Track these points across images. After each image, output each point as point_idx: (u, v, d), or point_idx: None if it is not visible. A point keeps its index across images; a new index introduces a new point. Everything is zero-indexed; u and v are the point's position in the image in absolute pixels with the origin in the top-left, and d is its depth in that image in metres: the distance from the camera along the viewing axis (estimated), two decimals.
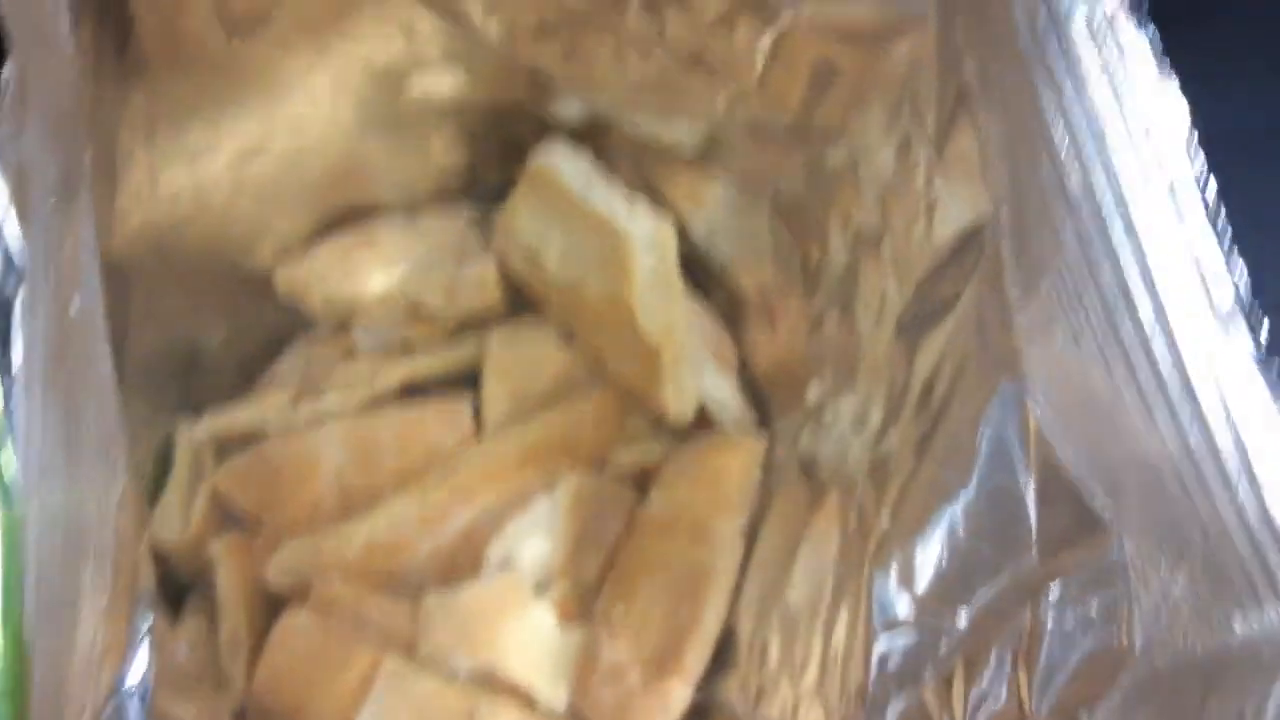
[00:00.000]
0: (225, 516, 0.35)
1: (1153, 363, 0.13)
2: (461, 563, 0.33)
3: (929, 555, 0.19)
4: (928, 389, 0.21)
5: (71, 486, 0.13)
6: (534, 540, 0.33)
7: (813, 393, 0.27)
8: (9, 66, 0.12)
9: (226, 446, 0.36)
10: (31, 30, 0.12)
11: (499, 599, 0.31)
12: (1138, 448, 0.14)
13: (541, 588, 0.32)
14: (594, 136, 0.33)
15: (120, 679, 0.16)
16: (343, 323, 0.38)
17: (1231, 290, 0.13)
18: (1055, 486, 0.16)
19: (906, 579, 0.19)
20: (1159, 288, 0.13)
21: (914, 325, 0.21)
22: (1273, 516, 0.13)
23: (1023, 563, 0.17)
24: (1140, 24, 0.13)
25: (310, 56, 0.31)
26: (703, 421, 0.33)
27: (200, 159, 0.32)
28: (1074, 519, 0.16)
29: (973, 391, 0.18)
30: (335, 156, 0.35)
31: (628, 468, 0.34)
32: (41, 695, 0.12)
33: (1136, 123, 0.13)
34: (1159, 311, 0.13)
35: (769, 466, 0.30)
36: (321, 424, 0.35)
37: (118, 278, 0.32)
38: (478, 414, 0.35)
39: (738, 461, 0.30)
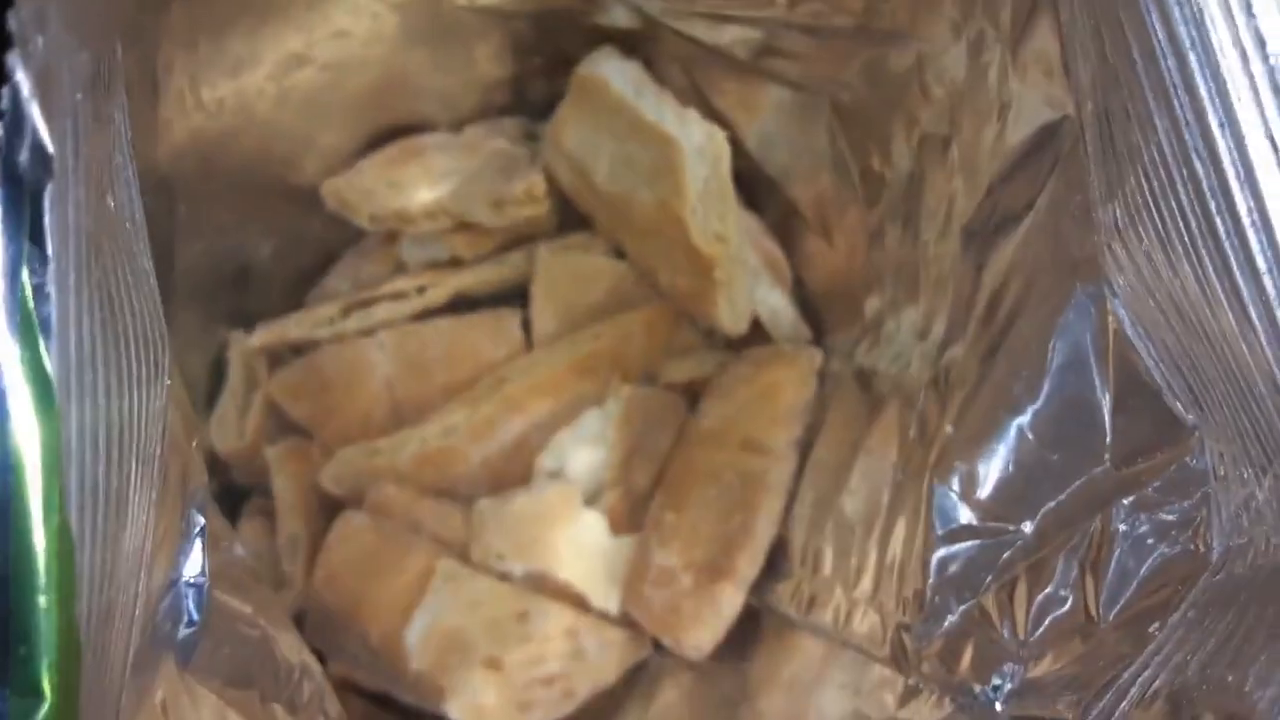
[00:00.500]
0: (280, 424, 0.36)
1: (1250, 262, 0.13)
2: (512, 472, 0.33)
3: (994, 464, 0.18)
4: (996, 299, 0.20)
5: (113, 383, 0.13)
6: (584, 450, 0.33)
7: (871, 306, 0.27)
8: None
9: (279, 357, 0.37)
10: None
11: (550, 507, 0.32)
12: (1228, 351, 0.14)
13: (592, 496, 0.33)
14: (643, 45, 0.32)
15: (176, 574, 0.16)
16: (391, 236, 0.38)
17: None
18: (1133, 393, 0.16)
19: (970, 487, 0.19)
20: (1261, 184, 0.12)
21: (983, 234, 0.20)
22: None
23: (1095, 472, 0.17)
24: None
25: None
26: (756, 335, 0.33)
27: (243, 69, 0.31)
28: (1153, 426, 0.16)
29: (1045, 299, 0.18)
30: (379, 68, 0.34)
31: (679, 380, 0.33)
32: (90, 587, 0.12)
33: (1240, 12, 0.12)
34: (1260, 209, 0.12)
35: (824, 379, 0.29)
36: (372, 335, 0.35)
37: (163, 189, 0.32)
38: (527, 327, 0.35)
39: (792, 374, 0.29)
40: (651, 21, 0.30)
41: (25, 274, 0.10)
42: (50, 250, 0.11)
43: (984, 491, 0.19)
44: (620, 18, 0.31)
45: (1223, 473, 0.15)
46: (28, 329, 0.10)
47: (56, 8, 0.11)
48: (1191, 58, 0.12)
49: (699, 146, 0.29)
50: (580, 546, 0.31)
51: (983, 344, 0.20)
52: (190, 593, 0.16)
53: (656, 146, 0.30)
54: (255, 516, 0.36)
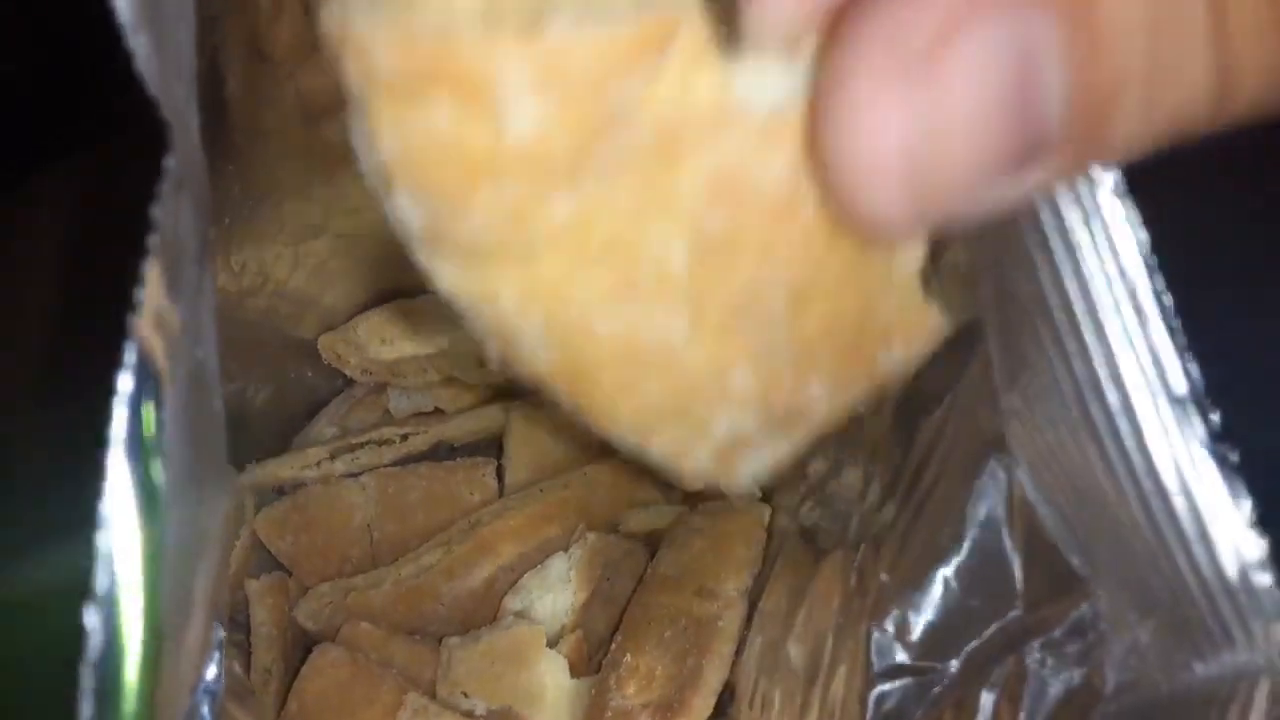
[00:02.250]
0: (262, 560, 0.36)
1: (1118, 441, 0.15)
2: (481, 611, 0.34)
3: (923, 609, 0.20)
4: (922, 466, 0.22)
5: (196, 500, 0.15)
6: (550, 593, 0.34)
7: (815, 469, 0.29)
8: (171, 158, 0.14)
9: (266, 495, 0.38)
10: (178, 125, 0.14)
11: (516, 647, 0.32)
12: (1108, 514, 0.16)
13: (555, 638, 0.33)
14: None
15: (201, 678, 0.17)
16: (378, 387, 0.40)
17: (1185, 380, 0.15)
18: (1039, 548, 0.18)
19: (903, 630, 0.21)
20: (1124, 378, 0.15)
21: (910, 411, 0.23)
22: (1225, 572, 0.15)
23: (1009, 616, 0.19)
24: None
25: None
26: (710, 490, 0.34)
27: (266, 237, 0.34)
28: (1055, 576, 0.18)
29: (964, 466, 0.20)
30: (383, 240, 0.37)
31: (639, 530, 0.35)
32: (166, 679, 0.13)
33: (1104, 245, 0.15)
34: (1123, 398, 0.15)
35: (771, 535, 0.31)
36: (355, 478, 0.36)
37: None
38: (500, 475, 0.37)
39: (743, 527, 0.31)
40: None
41: (151, 406, 0.12)
42: (167, 390, 0.13)
43: (915, 634, 0.20)
44: None
45: (1113, 617, 0.17)
46: (145, 451, 0.12)
47: (185, 199, 0.14)
48: (1068, 284, 0.15)
49: None
50: (543, 686, 0.32)
51: (912, 504, 0.22)
52: (206, 699, 0.17)
53: None
54: (228, 648, 0.36)
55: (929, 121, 0.09)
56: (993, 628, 0.19)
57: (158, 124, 0.14)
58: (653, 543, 0.35)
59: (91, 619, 0.12)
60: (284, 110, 0.28)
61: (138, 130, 0.14)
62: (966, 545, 0.20)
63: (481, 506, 0.36)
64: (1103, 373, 0.15)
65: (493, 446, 0.37)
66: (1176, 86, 0.10)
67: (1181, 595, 0.15)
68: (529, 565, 0.34)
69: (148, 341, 0.13)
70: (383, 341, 0.38)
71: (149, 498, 0.13)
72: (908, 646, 0.21)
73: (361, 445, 0.37)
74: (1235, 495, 0.15)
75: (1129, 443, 0.15)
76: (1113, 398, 0.15)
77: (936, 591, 0.20)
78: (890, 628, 0.21)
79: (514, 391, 0.38)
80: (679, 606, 0.31)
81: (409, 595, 0.34)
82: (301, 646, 0.35)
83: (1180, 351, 0.15)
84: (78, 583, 0.12)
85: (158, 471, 0.13)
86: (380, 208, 0.38)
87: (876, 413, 0.25)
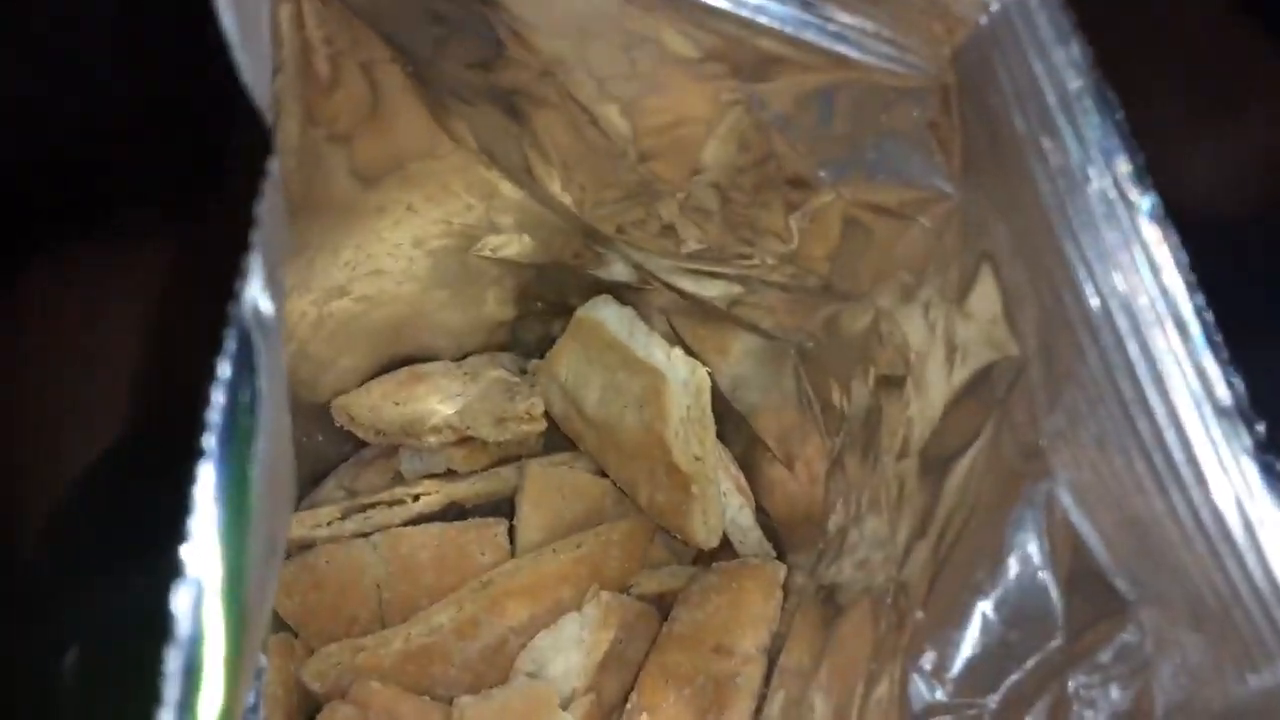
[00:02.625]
0: (270, 620, 0.35)
1: (1166, 454, 0.16)
2: (492, 672, 0.33)
3: (962, 645, 0.20)
4: (955, 506, 0.22)
5: (273, 505, 0.15)
6: (562, 654, 0.33)
7: (834, 523, 0.29)
8: (273, 160, 0.15)
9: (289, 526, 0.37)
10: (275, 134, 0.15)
11: (529, 707, 0.32)
12: (1156, 530, 0.16)
13: (567, 700, 0.33)
14: (634, 296, 0.36)
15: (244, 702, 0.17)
16: (390, 450, 0.40)
17: (1230, 393, 0.15)
18: (1081, 574, 0.18)
19: (940, 667, 0.20)
20: (1170, 391, 0.15)
21: (940, 456, 0.23)
22: (1277, 580, 0.15)
23: (1051, 646, 0.19)
24: (1144, 191, 0.16)
25: (400, 214, 0.34)
26: (723, 552, 0.34)
27: (294, 293, 0.34)
28: (1098, 601, 0.18)
29: (998, 499, 0.20)
30: (403, 304, 0.37)
31: (652, 591, 0.35)
32: (243, 679, 0.13)
33: (1144, 264, 0.16)
34: (1170, 411, 0.15)
35: (788, 591, 0.31)
36: (367, 539, 0.36)
37: None
38: (512, 537, 0.37)
39: (760, 584, 0.31)
40: (645, 276, 0.34)
41: (247, 393, 0.12)
42: (260, 381, 0.13)
43: (953, 671, 0.20)
44: (619, 271, 0.35)
45: (1160, 635, 0.17)
46: (238, 439, 0.12)
47: (276, 213, 0.14)
48: (1112, 302, 0.16)
49: (684, 379, 0.33)
50: None
51: (945, 543, 0.22)
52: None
53: (645, 378, 0.33)
54: None
55: None
56: (1033, 659, 0.19)
57: (256, 135, 0.15)
58: (665, 605, 0.34)
59: (182, 602, 0.12)
60: (329, 170, 0.29)
61: (237, 141, 0.15)
62: (1004, 577, 0.20)
63: (493, 567, 0.35)
64: (1149, 387, 0.15)
65: (505, 507, 0.37)
66: None
67: (1234, 606, 0.15)
68: (541, 626, 0.34)
69: (248, 330, 0.13)
70: (396, 404, 0.38)
71: (240, 489, 0.13)
72: (945, 684, 0.20)
73: (373, 506, 0.37)
74: None
75: (1177, 455, 0.15)
76: (1160, 411, 0.15)
77: (975, 626, 0.20)
78: (927, 666, 0.21)
79: (521, 454, 0.38)
80: (696, 665, 0.30)
81: (419, 655, 0.33)
82: (307, 711, 0.34)
83: (1223, 364, 0.15)
84: (173, 569, 0.12)
85: (250, 461, 0.13)
86: (404, 272, 0.39)
87: (900, 458, 0.25)
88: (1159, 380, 0.16)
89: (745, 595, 0.31)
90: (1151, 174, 0.17)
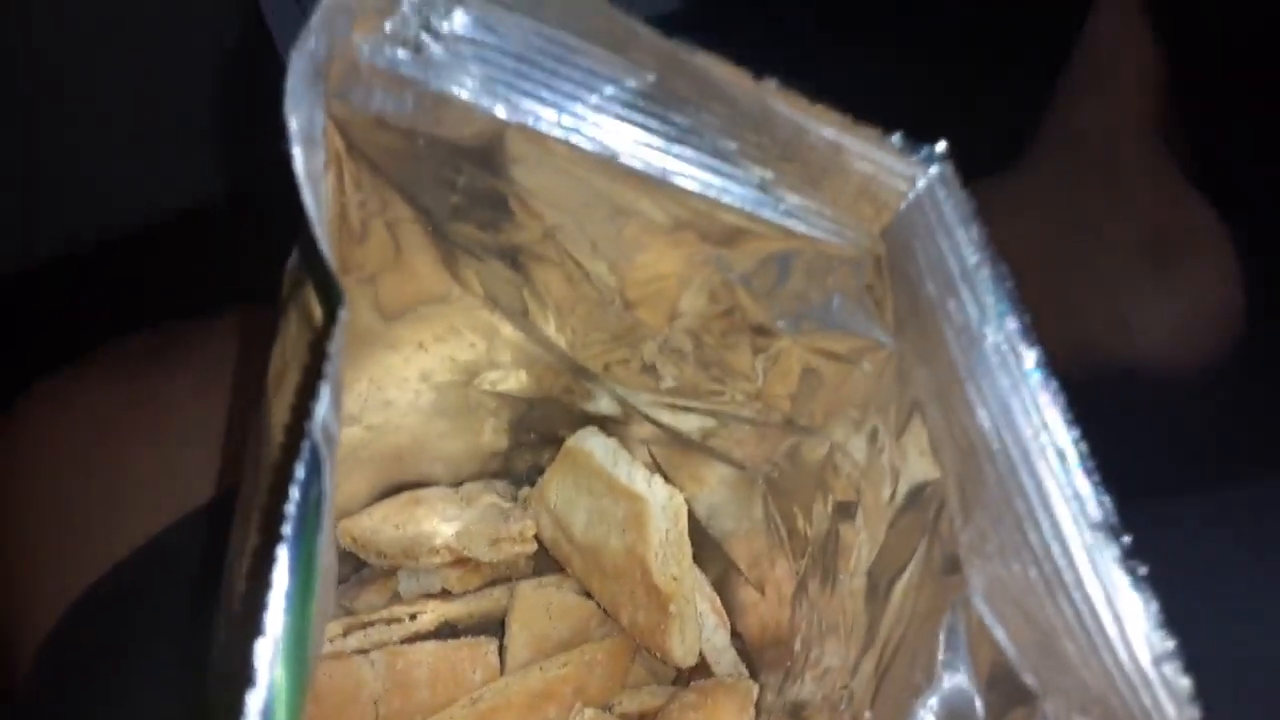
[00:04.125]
0: None
1: (1052, 562, 0.19)
2: None
3: None
4: (896, 620, 0.26)
5: (324, 599, 0.18)
6: None
7: (800, 642, 0.32)
8: (344, 308, 0.19)
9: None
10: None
11: None
12: (1049, 628, 0.19)
13: None
14: (618, 427, 0.40)
15: None
16: (389, 571, 0.42)
17: (1100, 510, 0.19)
18: (998, 672, 0.21)
19: None
20: (1053, 509, 0.19)
21: (884, 574, 0.27)
22: (1143, 666, 0.18)
23: None
24: (1030, 345, 0.20)
25: (410, 351, 0.38)
26: (700, 671, 0.37)
27: None
28: (1013, 696, 0.21)
29: (931, 609, 0.23)
30: (407, 433, 0.41)
31: (632, 711, 0.37)
32: None
33: (1030, 405, 0.19)
34: (1054, 526, 0.19)
35: (759, 710, 0.34)
36: (365, 655, 0.38)
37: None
38: (502, 654, 0.39)
39: (734, 701, 0.34)
40: (629, 410, 0.38)
41: (316, 496, 0.16)
42: (326, 483, 0.16)
43: None
44: (604, 405, 0.39)
45: (1061, 718, 0.20)
46: (310, 529, 0.16)
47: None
48: (1005, 434, 0.20)
49: (663, 504, 0.36)
50: None
51: (888, 652, 0.25)
52: None
53: (628, 503, 0.37)
54: None
55: None
56: None
57: (333, 291, 0.19)
58: None
59: (261, 655, 0.15)
60: (357, 309, 0.33)
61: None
62: (938, 681, 0.23)
63: (484, 684, 0.38)
64: (1037, 506, 0.19)
65: (496, 627, 0.40)
66: None
67: (1111, 691, 0.18)
68: None
69: (318, 443, 0.17)
70: (396, 526, 0.41)
71: (308, 569, 0.16)
72: None
73: (373, 623, 0.39)
74: (1146, 602, 0.18)
75: (1060, 563, 0.19)
76: (1045, 526, 0.19)
77: None
78: None
79: (511, 576, 0.41)
80: None
81: None
82: None
83: (1095, 485, 0.19)
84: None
85: (318, 548, 0.16)
86: (410, 404, 0.42)
87: (853, 577, 0.29)
88: (1044, 499, 0.19)
89: (719, 713, 0.34)
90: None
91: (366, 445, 0.40)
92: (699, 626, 0.37)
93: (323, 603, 0.17)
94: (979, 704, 0.22)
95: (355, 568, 0.43)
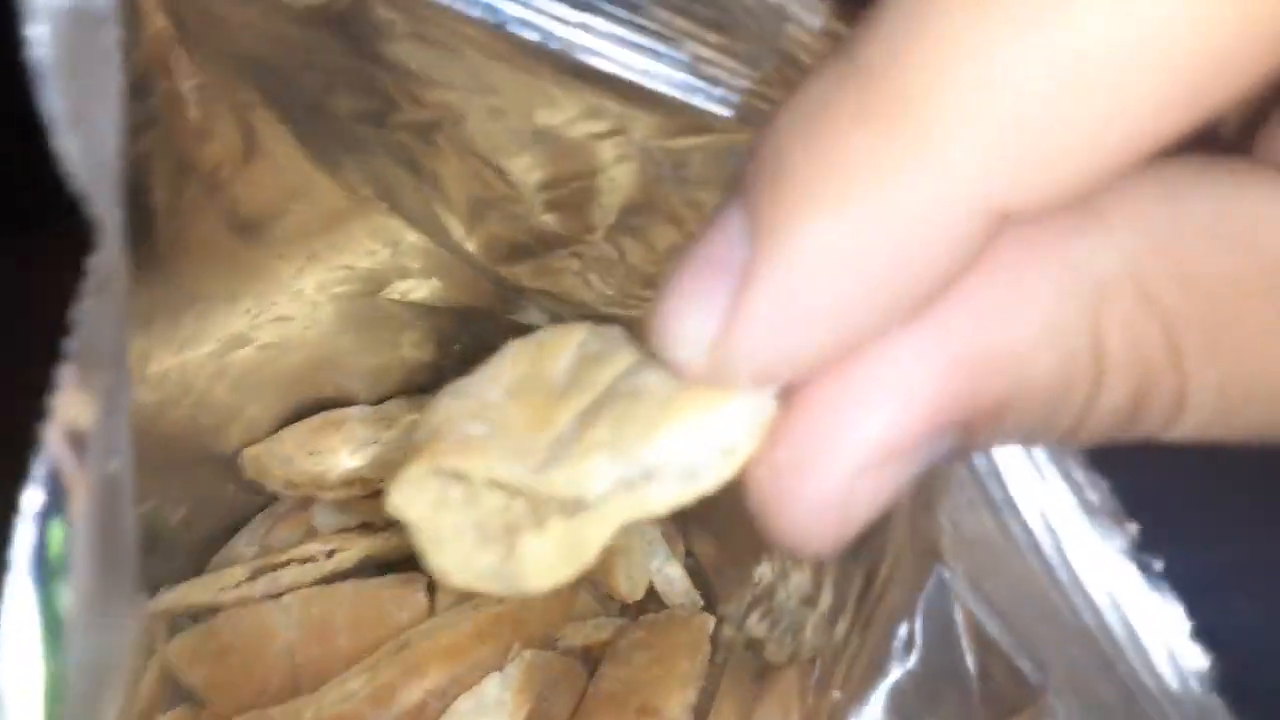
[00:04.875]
0: (173, 692, 0.34)
1: (1042, 556, 0.15)
2: None
3: None
4: (871, 575, 0.22)
5: (102, 627, 0.14)
6: (484, 717, 0.32)
7: (761, 575, 0.28)
8: (96, 257, 0.13)
9: (178, 621, 0.35)
10: (105, 226, 0.14)
11: None
12: (1052, 621, 0.16)
13: None
14: None
15: None
16: (303, 502, 0.38)
17: (1096, 492, 0.15)
18: (991, 658, 0.18)
19: None
20: (1039, 494, 0.15)
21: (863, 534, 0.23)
22: (1165, 682, 0.14)
23: None
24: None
25: (301, 261, 0.32)
26: (651, 601, 0.33)
27: (188, 345, 0.33)
28: (1010, 686, 0.17)
29: (911, 576, 0.20)
30: (311, 350, 0.36)
31: (577, 645, 0.34)
32: None
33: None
34: (1042, 513, 0.15)
35: (716, 646, 0.30)
36: (277, 600, 0.34)
37: None
38: (432, 591, 0.35)
39: (686, 639, 0.30)
40: (561, 320, 0.33)
41: (58, 524, 0.11)
42: (77, 508, 0.12)
43: None
44: (534, 316, 0.34)
45: None
46: (50, 574, 0.11)
47: (102, 303, 0.13)
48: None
49: None
50: None
51: (863, 615, 0.22)
52: None
53: None
54: None
55: (866, 489, 0.12)
56: None
57: (81, 224, 0.14)
58: (591, 659, 0.33)
59: None
60: (212, 221, 0.28)
61: (56, 230, 0.14)
62: (917, 656, 0.19)
63: (411, 626, 0.34)
64: (1017, 492, 0.15)
65: (423, 565, 0.36)
66: (1029, 442, 0.13)
67: (1131, 705, 0.15)
68: (462, 688, 0.33)
69: (59, 454, 0.12)
70: (310, 454, 0.37)
71: (51, 626, 0.12)
72: None
73: (284, 564, 0.35)
74: (1166, 602, 0.15)
75: (1053, 558, 0.15)
76: (1029, 513, 0.15)
77: (890, 706, 0.19)
78: None
79: None
80: None
81: None
82: None
83: (1086, 466, 0.15)
84: None
85: (62, 597, 0.12)
86: (309, 317, 0.37)
87: None
88: (1027, 484, 0.15)
89: (671, 651, 0.30)
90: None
91: (264, 366, 0.35)
92: (647, 557, 0.33)
93: (93, 666, 0.12)
94: (975, 692, 0.18)
95: (264, 503, 0.38)
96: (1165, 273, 0.12)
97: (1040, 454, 0.15)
